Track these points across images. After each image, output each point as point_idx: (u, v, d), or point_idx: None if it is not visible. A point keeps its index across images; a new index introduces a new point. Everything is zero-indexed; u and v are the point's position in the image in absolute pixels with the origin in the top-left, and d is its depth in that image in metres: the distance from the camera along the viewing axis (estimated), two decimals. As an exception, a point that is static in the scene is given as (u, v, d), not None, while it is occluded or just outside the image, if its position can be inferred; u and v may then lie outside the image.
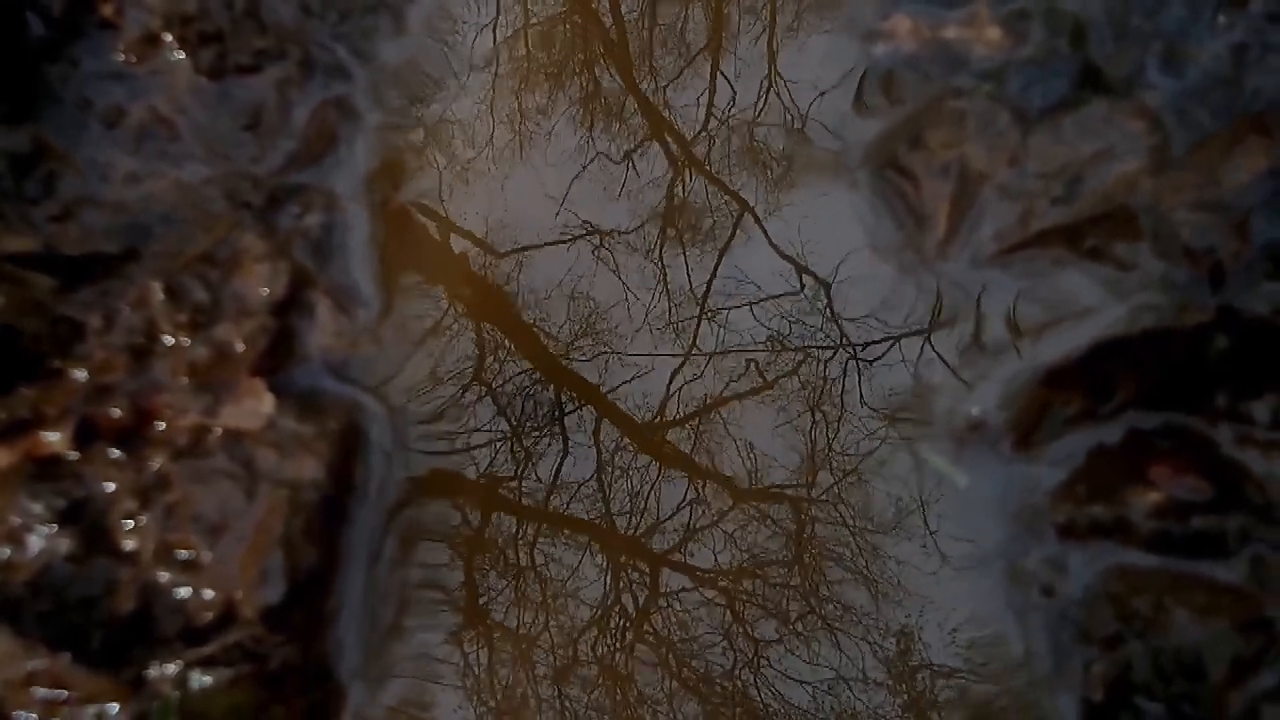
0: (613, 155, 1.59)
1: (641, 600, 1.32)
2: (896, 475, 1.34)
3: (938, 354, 1.39)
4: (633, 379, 1.44)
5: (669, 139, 1.60)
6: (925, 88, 1.48)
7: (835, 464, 1.37)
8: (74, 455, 1.23)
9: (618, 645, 1.30)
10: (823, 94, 1.57)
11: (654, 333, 1.46)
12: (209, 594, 1.17)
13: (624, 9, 1.71)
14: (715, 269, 1.50)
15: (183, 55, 1.48)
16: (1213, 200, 1.31)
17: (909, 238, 1.44)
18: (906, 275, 1.43)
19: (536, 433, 1.40)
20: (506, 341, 1.46)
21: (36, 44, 1.46)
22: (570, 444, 1.40)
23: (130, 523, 1.20)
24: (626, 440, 1.41)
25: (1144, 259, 1.33)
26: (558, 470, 1.38)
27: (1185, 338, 1.27)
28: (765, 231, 1.52)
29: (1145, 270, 1.32)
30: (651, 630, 1.31)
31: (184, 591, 1.17)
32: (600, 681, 1.28)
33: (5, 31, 1.45)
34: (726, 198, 1.55)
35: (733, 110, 1.61)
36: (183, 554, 1.19)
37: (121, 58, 1.48)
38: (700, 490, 1.37)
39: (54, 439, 1.23)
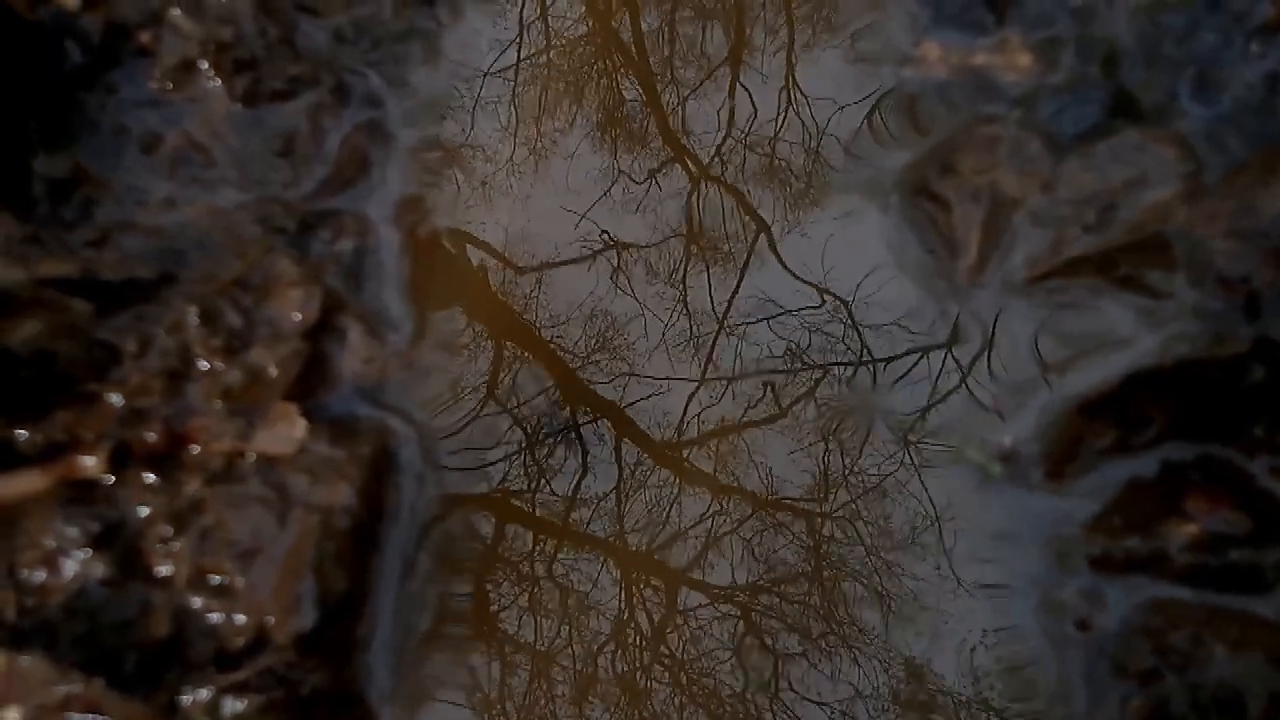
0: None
1: (666, 616, 1.32)
2: (928, 501, 1.33)
3: (968, 383, 1.38)
4: (654, 395, 1.44)
5: (690, 161, 1.60)
6: (956, 114, 1.48)
7: (861, 487, 1.36)
8: (109, 479, 1.23)
9: (648, 662, 1.30)
10: (840, 111, 1.57)
11: (689, 351, 1.46)
12: (241, 619, 1.18)
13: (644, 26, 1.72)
14: (736, 289, 1.50)
15: (218, 82, 1.50)
16: (1247, 228, 1.30)
17: (939, 264, 1.44)
18: (936, 301, 1.42)
19: (564, 451, 1.40)
20: (541, 363, 1.46)
21: (75, 71, 1.48)
22: (597, 461, 1.40)
23: (164, 547, 1.20)
24: (648, 456, 1.41)
25: (1178, 288, 1.32)
26: (587, 486, 1.38)
27: (1220, 368, 1.26)
28: (781, 257, 1.51)
29: (1179, 299, 1.31)
30: (679, 647, 1.30)
31: (217, 616, 1.18)
32: (630, 700, 1.27)
33: (44, 59, 1.47)
34: (752, 221, 1.55)
35: (761, 132, 1.61)
36: (216, 579, 1.20)
37: (158, 85, 1.50)
38: (724, 505, 1.37)
39: (90, 463, 1.24)
